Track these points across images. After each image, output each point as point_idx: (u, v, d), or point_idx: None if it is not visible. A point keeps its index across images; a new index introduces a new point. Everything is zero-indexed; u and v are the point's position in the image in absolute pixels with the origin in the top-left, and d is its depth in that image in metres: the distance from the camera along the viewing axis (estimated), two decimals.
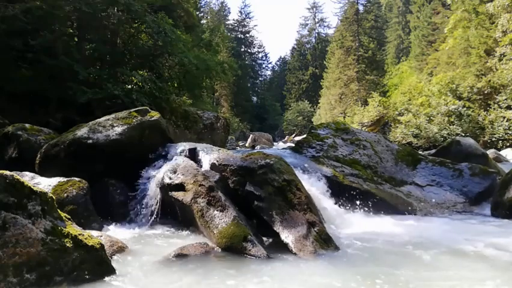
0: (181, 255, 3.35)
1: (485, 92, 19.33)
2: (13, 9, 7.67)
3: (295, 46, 61.92)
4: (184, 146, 5.36)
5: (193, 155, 5.14)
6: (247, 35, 61.25)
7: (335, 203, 4.88)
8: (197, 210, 4.00)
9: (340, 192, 5.18)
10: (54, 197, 2.96)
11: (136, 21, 10.23)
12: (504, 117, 17.52)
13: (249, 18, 61.06)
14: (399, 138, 19.97)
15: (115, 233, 4.09)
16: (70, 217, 3.09)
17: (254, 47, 63.06)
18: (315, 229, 3.72)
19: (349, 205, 5.07)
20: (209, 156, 4.89)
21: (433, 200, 5.81)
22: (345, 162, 6.10)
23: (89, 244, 2.84)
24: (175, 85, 11.43)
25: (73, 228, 2.90)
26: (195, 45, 14.60)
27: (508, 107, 17.94)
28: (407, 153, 6.88)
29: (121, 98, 8.61)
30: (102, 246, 2.94)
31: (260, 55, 65.26)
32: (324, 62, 45.83)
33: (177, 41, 10.52)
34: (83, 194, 4.26)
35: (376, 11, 46.60)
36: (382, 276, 2.91)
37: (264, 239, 3.99)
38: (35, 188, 2.76)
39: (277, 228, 3.78)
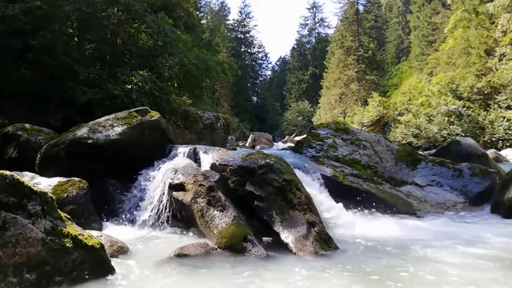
0: (181, 255, 3.35)
1: (485, 92, 19.33)
2: (13, 9, 7.66)
3: (295, 46, 61.88)
4: (184, 146, 5.36)
5: (193, 155, 5.14)
6: (247, 35, 61.25)
7: (335, 203, 4.87)
8: (197, 210, 4.00)
9: (340, 192, 5.17)
10: (54, 197, 2.96)
11: (136, 21, 10.21)
12: (504, 117, 17.51)
13: (249, 18, 61.11)
14: (399, 138, 19.97)
15: (115, 233, 4.08)
16: (70, 217, 3.09)
17: (254, 47, 63.10)
18: (315, 229, 3.72)
19: (349, 205, 5.07)
20: (209, 156, 4.89)
21: (433, 200, 5.81)
22: (345, 162, 6.10)
23: (89, 244, 2.84)
24: (175, 85, 11.41)
25: (73, 228, 2.90)
26: (195, 45, 14.58)
27: (508, 107, 17.94)
28: (407, 153, 6.88)
29: (121, 98, 8.60)
30: (102, 246, 2.94)
31: (260, 55, 65.30)
32: (324, 62, 45.79)
33: (177, 41, 10.50)
34: (83, 194, 4.26)
35: (376, 11, 46.56)
36: (382, 276, 2.91)
37: (264, 239, 3.99)
38: (35, 188, 2.76)
39: (277, 228, 3.78)
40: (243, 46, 59.67)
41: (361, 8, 41.38)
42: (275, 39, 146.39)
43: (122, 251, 3.47)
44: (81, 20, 9.46)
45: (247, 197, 4.12)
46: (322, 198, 4.68)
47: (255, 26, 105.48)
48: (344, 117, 33.86)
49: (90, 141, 4.93)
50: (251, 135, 27.27)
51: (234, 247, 3.54)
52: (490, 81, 19.31)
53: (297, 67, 58.37)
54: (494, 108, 18.35)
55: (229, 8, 66.69)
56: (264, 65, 67.93)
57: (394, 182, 6.10)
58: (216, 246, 3.65)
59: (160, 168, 4.84)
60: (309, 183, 4.84)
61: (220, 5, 58.54)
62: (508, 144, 16.88)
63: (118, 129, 5.09)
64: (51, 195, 2.94)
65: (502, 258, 3.36)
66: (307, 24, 61.59)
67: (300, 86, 56.56)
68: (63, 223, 2.85)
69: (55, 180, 4.28)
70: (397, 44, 49.20)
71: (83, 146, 4.92)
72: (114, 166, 4.97)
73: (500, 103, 18.34)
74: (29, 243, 2.53)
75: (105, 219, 4.53)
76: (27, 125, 5.83)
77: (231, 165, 4.43)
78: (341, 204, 4.69)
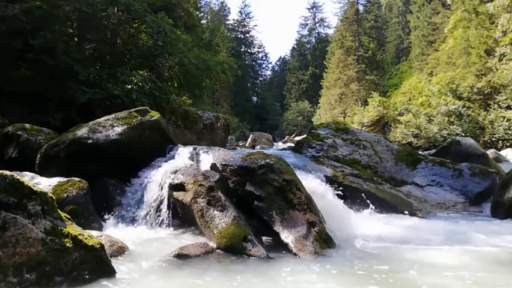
0: (181, 255, 3.35)
1: (485, 92, 19.35)
2: (13, 9, 7.67)
3: (295, 46, 61.90)
4: (184, 146, 5.36)
5: (193, 155, 5.15)
6: (247, 35, 61.27)
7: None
8: (197, 210, 4.00)
9: (340, 192, 5.17)
10: (54, 197, 2.96)
11: (136, 21, 10.22)
12: (504, 117, 17.53)
13: (249, 18, 61.16)
14: (399, 138, 20.00)
15: (115, 233, 4.08)
16: (70, 217, 3.09)
17: (254, 47, 63.13)
18: (315, 229, 3.72)
19: (349, 205, 5.07)
20: (209, 156, 4.89)
21: (433, 200, 5.81)
22: (345, 162, 6.10)
23: (89, 244, 2.84)
24: (175, 85, 11.42)
25: (73, 228, 2.90)
26: (195, 45, 14.60)
27: (508, 107, 17.96)
28: (407, 153, 6.88)
29: (121, 98, 8.60)
30: (102, 246, 2.94)
31: (260, 55, 65.33)
32: (324, 62, 45.80)
33: (177, 41, 10.51)
34: (83, 194, 4.26)
35: (376, 11, 46.57)
36: (382, 276, 2.91)
37: (264, 239, 3.99)
38: (35, 188, 2.76)
39: (277, 228, 3.78)
40: (243, 46, 59.68)
41: (361, 8, 41.45)
42: (275, 39, 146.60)
43: (122, 251, 3.47)
44: (81, 20, 9.46)
45: (247, 197, 4.12)
46: (322, 198, 4.67)
47: (255, 26, 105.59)
48: (344, 117, 33.88)
49: (90, 141, 4.93)
50: (251, 135, 27.26)
51: (234, 247, 3.54)
52: (490, 81, 19.33)
53: (297, 67, 58.37)
54: (494, 108, 18.36)
55: (229, 8, 66.77)
56: (264, 65, 68.03)
57: (394, 182, 6.10)
58: (216, 246, 3.65)
59: (160, 168, 4.83)
60: (309, 182, 4.82)
61: (220, 5, 58.64)
62: (508, 144, 16.90)
63: (118, 129, 5.08)
64: (51, 195, 2.94)
65: (502, 258, 3.36)
66: (307, 24, 61.65)
67: (300, 86, 56.56)
68: (63, 223, 2.85)
69: (55, 180, 4.28)
70: (397, 44, 49.22)
71: (83, 146, 4.92)
72: (114, 166, 4.97)
73: (500, 103, 18.35)
74: (29, 243, 2.53)
75: (105, 219, 4.53)
76: (27, 125, 5.82)
77: (231, 165, 4.43)
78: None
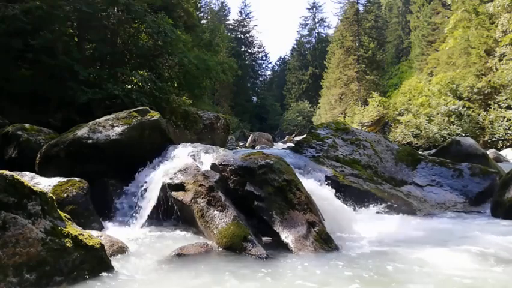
0: (181, 255, 3.35)
1: (485, 92, 19.36)
2: (13, 9, 7.66)
3: (295, 46, 61.94)
4: (184, 146, 5.36)
5: (193, 155, 5.14)
6: (247, 35, 61.24)
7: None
8: (197, 210, 4.00)
9: (340, 192, 5.17)
10: (54, 197, 2.96)
11: (136, 21, 10.22)
12: (504, 117, 17.54)
13: (249, 18, 61.14)
14: (399, 138, 20.01)
15: (115, 233, 4.08)
16: (70, 217, 3.09)
17: (254, 47, 63.09)
18: (315, 229, 3.72)
19: (349, 205, 5.07)
20: (209, 156, 4.89)
21: (433, 200, 5.82)
22: (345, 162, 6.11)
23: (89, 244, 2.84)
24: (175, 85, 11.42)
25: (73, 228, 2.90)
26: (195, 45, 14.60)
27: (508, 107, 17.97)
28: (407, 153, 6.88)
29: (121, 98, 8.60)
30: (102, 246, 2.94)
31: (260, 55, 65.30)
32: (324, 62, 45.82)
33: (177, 41, 10.51)
34: (83, 194, 4.26)
35: (376, 11, 46.57)
36: (382, 276, 2.91)
37: (264, 238, 3.99)
38: (35, 188, 2.76)
39: (277, 228, 3.78)
40: (243, 46, 59.65)
41: (361, 8, 41.50)
42: (275, 39, 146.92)
43: (122, 251, 3.46)
44: (81, 20, 9.46)
45: (247, 197, 4.12)
46: (322, 198, 4.67)
47: (255, 26, 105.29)
48: (344, 117, 33.89)
49: (90, 141, 4.93)
50: (251, 135, 27.27)
51: (234, 247, 3.54)
52: (490, 81, 19.34)
53: (297, 67, 58.39)
54: (494, 108, 18.38)
55: (229, 8, 66.80)
56: (264, 65, 67.99)
57: (394, 182, 6.10)
58: (216, 246, 3.65)
59: (160, 168, 4.84)
60: (308, 182, 4.82)
61: (220, 5, 58.64)
62: (508, 144, 16.92)
63: (118, 129, 5.08)
64: (51, 195, 2.94)
65: (501, 258, 3.36)
66: (307, 24, 61.66)
67: (300, 86, 56.58)
68: (63, 223, 2.85)
69: (55, 180, 4.28)
70: (397, 44, 49.21)
71: (83, 146, 4.92)
72: (114, 166, 4.97)
73: (500, 103, 18.37)
74: (29, 243, 2.53)
75: (105, 219, 4.53)
76: (27, 125, 5.83)
77: (231, 165, 4.43)
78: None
